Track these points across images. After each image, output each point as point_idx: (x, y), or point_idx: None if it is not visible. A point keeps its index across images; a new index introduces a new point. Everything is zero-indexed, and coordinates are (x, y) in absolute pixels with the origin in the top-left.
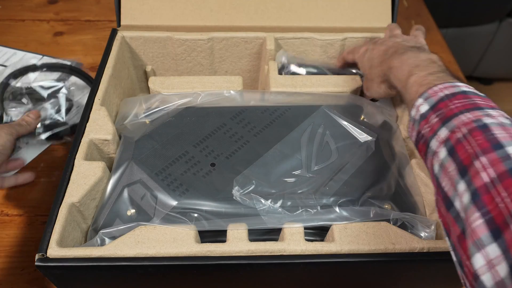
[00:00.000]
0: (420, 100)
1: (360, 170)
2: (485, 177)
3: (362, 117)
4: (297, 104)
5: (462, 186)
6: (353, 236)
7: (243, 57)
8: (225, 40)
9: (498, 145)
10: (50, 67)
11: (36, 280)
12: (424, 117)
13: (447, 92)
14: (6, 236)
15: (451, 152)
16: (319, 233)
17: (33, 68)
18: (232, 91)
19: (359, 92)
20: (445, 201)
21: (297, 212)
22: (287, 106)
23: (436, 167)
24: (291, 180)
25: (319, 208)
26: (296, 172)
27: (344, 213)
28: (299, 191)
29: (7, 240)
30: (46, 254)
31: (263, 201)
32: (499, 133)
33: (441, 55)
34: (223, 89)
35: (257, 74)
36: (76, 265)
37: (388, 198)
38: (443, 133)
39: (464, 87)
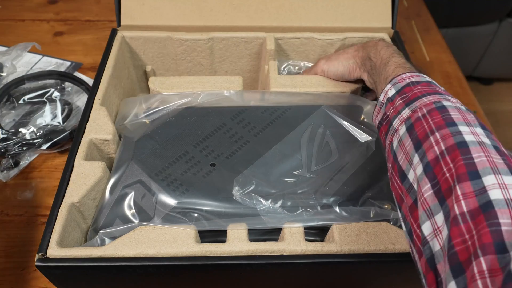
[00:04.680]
0: (388, 86)
1: (360, 170)
2: (436, 150)
3: (362, 117)
4: (297, 104)
5: (416, 159)
6: (353, 236)
7: (243, 57)
8: (225, 40)
9: (451, 123)
10: (36, 77)
11: (36, 280)
12: (391, 100)
13: (413, 79)
14: (6, 236)
15: (410, 129)
16: (319, 233)
17: (19, 82)
18: (232, 91)
19: (359, 92)
20: (399, 173)
21: (297, 212)
22: (287, 106)
23: (395, 143)
24: (291, 180)
25: (319, 208)
26: (296, 172)
27: (344, 213)
28: (299, 191)
29: (7, 240)
30: (46, 254)
31: (263, 201)
32: (454, 114)
33: (441, 55)
34: (223, 89)
35: (257, 74)
36: (76, 265)
37: (388, 198)
38: (406, 113)
39: (429, 78)
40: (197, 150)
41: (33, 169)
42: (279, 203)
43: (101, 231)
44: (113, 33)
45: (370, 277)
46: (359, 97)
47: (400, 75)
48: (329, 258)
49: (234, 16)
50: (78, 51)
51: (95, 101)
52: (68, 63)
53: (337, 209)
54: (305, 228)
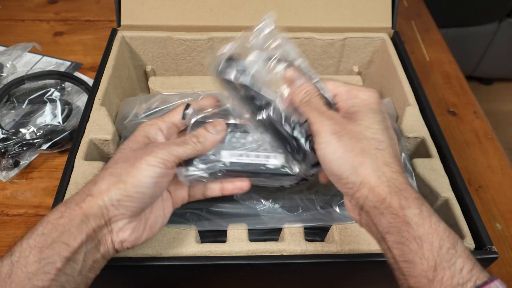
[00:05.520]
0: None
1: None
2: None
3: None
4: None
5: None
6: (353, 236)
7: None
8: (225, 40)
9: None
10: (36, 77)
11: None
12: None
13: None
14: (6, 236)
15: None
16: (319, 233)
17: (19, 82)
18: None
19: None
20: None
21: (297, 212)
22: None
23: None
24: None
25: (319, 208)
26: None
27: (344, 213)
28: (299, 191)
29: (7, 240)
30: None
31: (263, 201)
32: None
33: (441, 55)
34: None
35: None
36: None
37: None
38: None
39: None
40: None
41: (33, 169)
42: (279, 203)
43: None
44: (113, 33)
45: (370, 277)
46: None
47: (489, 283)
48: (329, 258)
49: (234, 16)
50: (78, 51)
51: (95, 101)
52: (68, 63)
53: (337, 209)
54: (305, 228)
